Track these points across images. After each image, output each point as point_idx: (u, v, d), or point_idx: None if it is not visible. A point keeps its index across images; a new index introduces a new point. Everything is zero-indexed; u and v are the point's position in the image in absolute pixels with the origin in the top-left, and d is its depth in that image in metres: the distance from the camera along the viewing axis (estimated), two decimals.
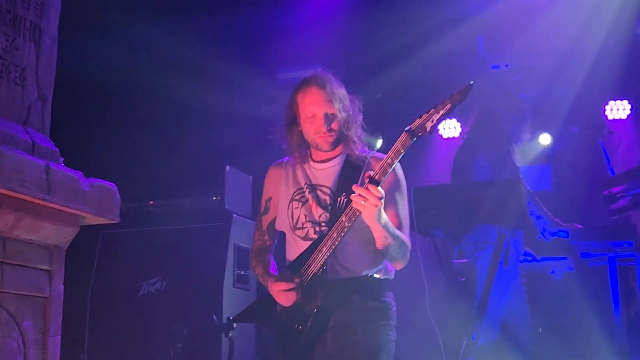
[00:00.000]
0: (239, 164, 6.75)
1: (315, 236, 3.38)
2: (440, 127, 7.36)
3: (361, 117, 3.53)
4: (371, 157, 3.49)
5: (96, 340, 6.33)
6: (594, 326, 5.79)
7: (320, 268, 3.28)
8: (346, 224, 3.20)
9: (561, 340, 6.07)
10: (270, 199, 3.61)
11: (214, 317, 5.92)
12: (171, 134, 7.50)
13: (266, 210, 3.62)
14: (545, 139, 7.03)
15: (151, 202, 6.67)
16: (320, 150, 3.49)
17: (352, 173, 3.39)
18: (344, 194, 3.35)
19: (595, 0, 6.34)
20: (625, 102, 6.98)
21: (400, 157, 3.11)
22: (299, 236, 3.45)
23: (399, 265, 3.46)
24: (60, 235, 2.98)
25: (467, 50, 7.14)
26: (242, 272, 6.45)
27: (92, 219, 3.09)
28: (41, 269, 2.92)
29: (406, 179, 3.50)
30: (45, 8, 3.11)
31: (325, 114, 3.39)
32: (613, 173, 5.32)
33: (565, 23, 6.52)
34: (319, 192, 3.45)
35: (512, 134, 5.36)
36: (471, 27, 6.95)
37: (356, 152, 3.46)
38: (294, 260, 3.41)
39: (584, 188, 6.55)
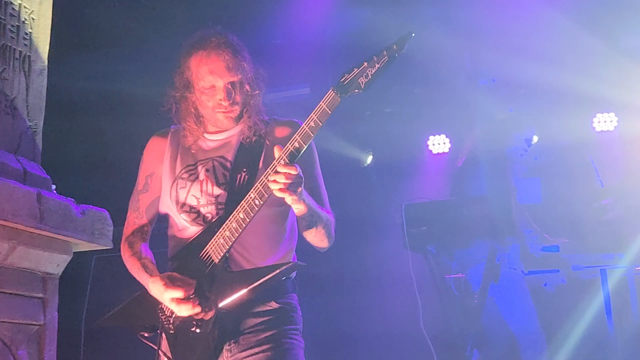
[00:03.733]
0: None
1: (211, 219, 2.81)
2: (430, 142, 7.35)
3: (264, 87, 2.94)
4: (273, 122, 2.97)
5: None
6: (587, 339, 5.80)
7: (222, 257, 2.72)
8: (256, 202, 2.64)
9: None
10: (152, 174, 2.99)
11: None
12: None
13: (146, 188, 2.99)
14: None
15: None
16: (219, 128, 2.93)
17: (252, 144, 2.87)
18: (244, 169, 2.82)
19: (578, 14, 6.39)
20: (612, 114, 7.01)
21: (326, 120, 2.61)
22: (186, 220, 2.87)
23: (326, 245, 2.89)
24: (53, 262, 2.99)
25: (454, 66, 7.17)
26: None
27: (85, 246, 3.10)
28: (35, 297, 2.92)
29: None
30: (35, 38, 3.13)
31: (227, 84, 2.81)
32: (602, 185, 5.36)
33: (548, 43, 6.58)
34: (215, 168, 2.87)
35: (511, 151, 5.42)
36: (458, 43, 7.00)
37: (256, 120, 2.90)
38: (184, 248, 2.86)
39: (573, 200, 6.58)
